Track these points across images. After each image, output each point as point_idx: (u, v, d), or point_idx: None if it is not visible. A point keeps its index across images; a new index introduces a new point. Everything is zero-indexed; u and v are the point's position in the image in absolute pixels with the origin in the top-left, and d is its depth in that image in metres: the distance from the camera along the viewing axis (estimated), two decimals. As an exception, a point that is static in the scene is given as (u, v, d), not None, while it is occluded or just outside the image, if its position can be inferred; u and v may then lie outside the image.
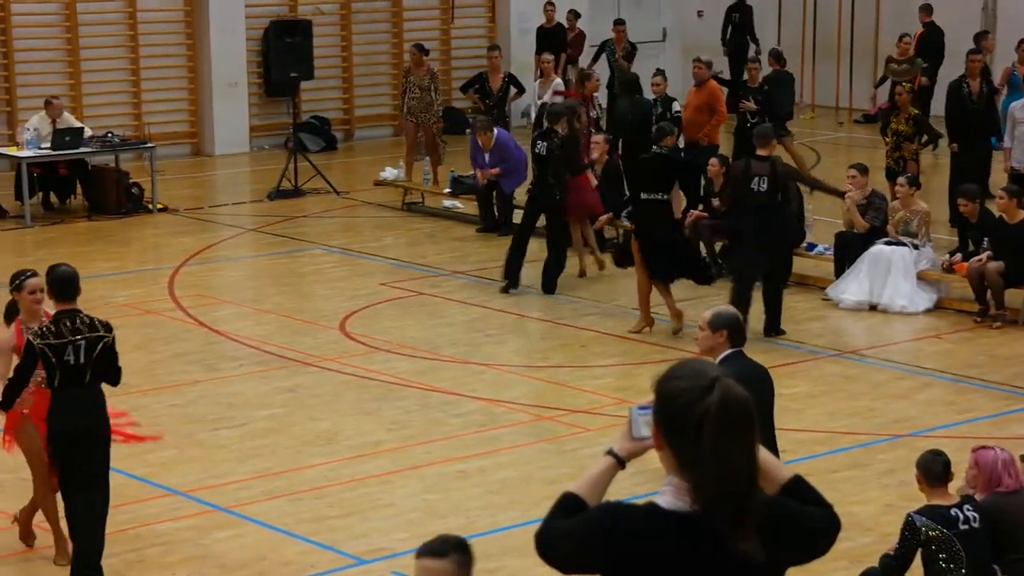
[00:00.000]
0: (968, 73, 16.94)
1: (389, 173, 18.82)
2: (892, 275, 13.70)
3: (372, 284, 14.78)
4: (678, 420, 3.47)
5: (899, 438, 10.56)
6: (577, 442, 10.50)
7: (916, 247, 13.89)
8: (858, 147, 21.91)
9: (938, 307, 13.78)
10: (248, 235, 17.24)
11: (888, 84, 19.77)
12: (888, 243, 13.91)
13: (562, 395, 11.57)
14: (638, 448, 3.65)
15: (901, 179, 14.49)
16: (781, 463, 3.74)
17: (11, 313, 8.57)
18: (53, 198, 18.32)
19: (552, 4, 22.68)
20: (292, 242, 16.71)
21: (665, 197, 12.86)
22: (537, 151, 14.57)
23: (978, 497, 7.31)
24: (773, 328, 12.88)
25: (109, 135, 18.18)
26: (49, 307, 8.18)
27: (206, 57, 21.48)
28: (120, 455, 9.73)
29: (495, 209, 16.98)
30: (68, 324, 7.87)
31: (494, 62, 19.45)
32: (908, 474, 7.86)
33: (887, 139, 16.75)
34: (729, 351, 7.66)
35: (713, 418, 3.42)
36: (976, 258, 13.37)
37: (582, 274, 14.91)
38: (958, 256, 13.89)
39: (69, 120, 18.23)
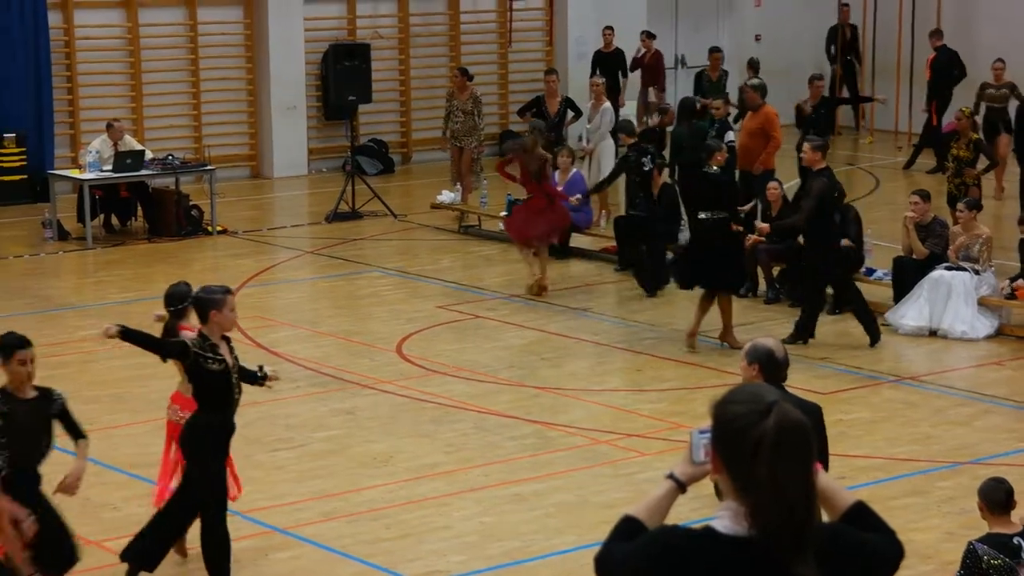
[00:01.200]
0: None
1: (446, 196, 18.88)
2: (952, 300, 13.59)
3: (429, 307, 14.82)
4: (734, 444, 3.45)
5: (960, 465, 10.45)
6: (633, 466, 10.47)
7: (977, 272, 13.77)
8: (918, 172, 21.76)
9: (999, 333, 13.65)
10: (306, 257, 17.34)
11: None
12: (948, 268, 13.80)
13: (618, 419, 11.54)
14: (698, 472, 3.63)
15: (961, 204, 14.39)
16: (844, 488, 3.71)
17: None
18: (114, 220, 18.51)
19: (611, 29, 22.69)
20: (349, 264, 16.79)
21: (723, 215, 13.06)
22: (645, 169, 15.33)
23: (1041, 526, 7.22)
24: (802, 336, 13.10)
25: (169, 158, 18.35)
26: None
27: (265, 80, 21.65)
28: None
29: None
30: (211, 343, 8.27)
31: (551, 86, 19.49)
32: (969, 502, 7.78)
33: (948, 164, 16.65)
34: None
35: (769, 442, 3.40)
36: (1037, 283, 13.25)
37: (544, 289, 15.04)
38: (1020, 281, 13.76)
39: (130, 143, 18.42)
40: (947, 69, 21.98)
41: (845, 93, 24.30)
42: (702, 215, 13.16)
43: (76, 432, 7.87)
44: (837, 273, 13.37)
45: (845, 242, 14.03)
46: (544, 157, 15.27)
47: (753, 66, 20.54)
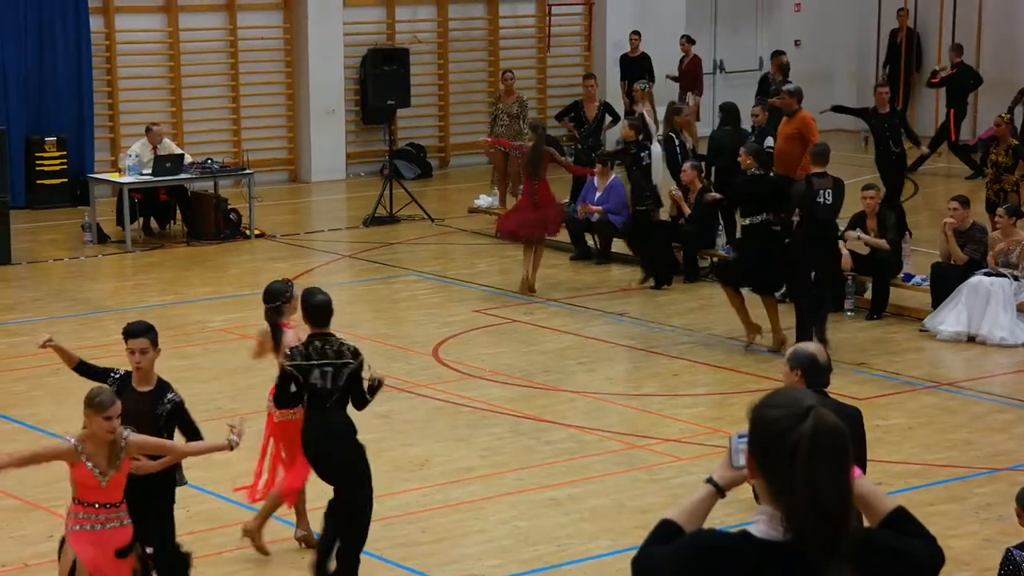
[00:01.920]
0: None
1: (483, 200, 18.91)
2: (991, 306, 13.51)
3: (466, 311, 14.84)
4: (771, 448, 3.45)
5: (998, 472, 10.39)
6: (669, 471, 10.45)
7: (1016, 278, 13.69)
8: (957, 178, 21.66)
9: (1039, 340, 13.57)
10: (343, 261, 17.39)
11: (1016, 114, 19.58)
12: (987, 274, 13.72)
13: (654, 423, 11.53)
14: (737, 477, 3.63)
15: (1000, 210, 14.31)
16: (884, 493, 3.70)
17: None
18: (153, 223, 18.62)
19: (638, 33, 22.67)
20: (387, 268, 16.84)
21: (767, 217, 13.12)
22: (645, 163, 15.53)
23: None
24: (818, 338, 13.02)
25: (208, 162, 18.45)
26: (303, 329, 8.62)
27: (304, 85, 21.74)
28: (214, 479, 9.87)
29: (594, 239, 17.05)
30: (317, 347, 8.25)
31: (590, 91, 19.50)
32: (1007, 508, 7.74)
33: (987, 170, 16.56)
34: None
35: (806, 447, 3.39)
36: (1078, 290, 13.16)
37: (531, 289, 15.30)
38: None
39: (169, 146, 18.53)
40: (964, 80, 22.11)
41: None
42: (746, 220, 13.24)
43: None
44: (822, 270, 13.35)
45: (845, 246, 14.01)
46: (547, 154, 15.40)
47: (783, 70, 20.41)
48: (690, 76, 22.58)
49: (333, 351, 8.26)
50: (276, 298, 9.05)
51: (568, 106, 19.88)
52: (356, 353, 8.35)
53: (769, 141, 16.70)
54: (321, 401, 8.28)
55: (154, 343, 7.78)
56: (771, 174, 14.28)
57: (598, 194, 16.86)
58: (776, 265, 13.27)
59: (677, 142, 16.92)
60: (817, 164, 13.42)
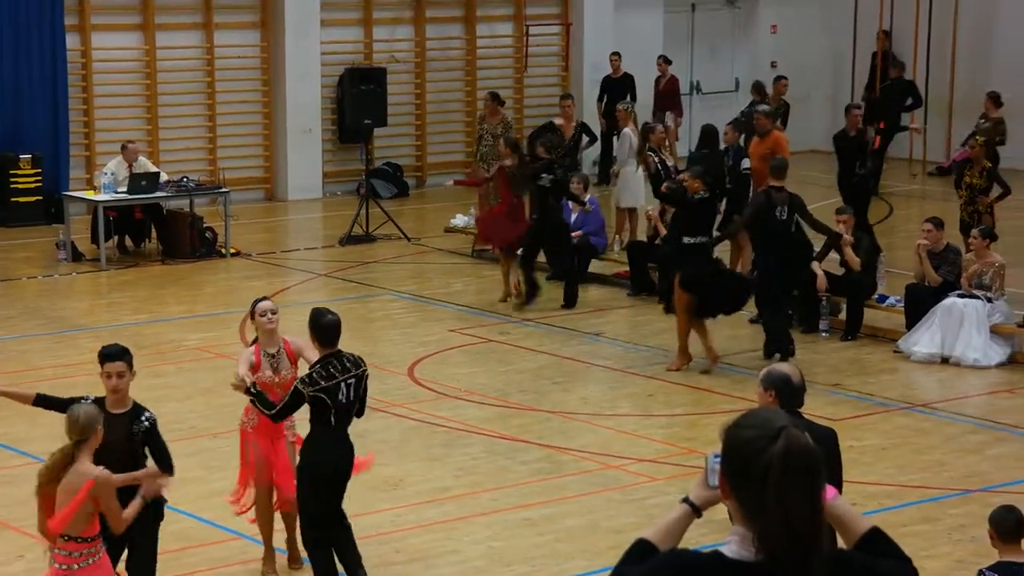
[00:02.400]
0: None
1: (460, 220, 18.91)
2: (965, 328, 13.57)
3: (441, 330, 14.83)
4: (743, 469, 3.45)
5: (971, 493, 10.42)
6: (644, 491, 10.45)
7: (990, 300, 13.75)
8: (931, 200, 21.76)
9: (1012, 361, 13.63)
10: (319, 280, 17.37)
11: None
12: (961, 296, 13.78)
13: (629, 443, 11.53)
14: (713, 497, 3.63)
15: (975, 231, 14.37)
16: (859, 514, 3.70)
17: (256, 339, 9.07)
18: (128, 241, 18.57)
19: (618, 55, 22.76)
20: (363, 287, 16.82)
21: (704, 240, 13.25)
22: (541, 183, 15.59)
23: (1052, 555, 7.20)
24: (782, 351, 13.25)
25: (184, 180, 18.42)
26: (292, 341, 8.79)
27: (281, 103, 21.73)
28: (188, 498, 9.83)
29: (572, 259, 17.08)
30: (337, 365, 8.31)
31: (567, 111, 19.54)
32: (980, 530, 7.77)
33: (961, 192, 16.64)
34: None
35: (777, 468, 3.39)
36: (1051, 312, 13.23)
37: (505, 299, 15.72)
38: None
39: (145, 164, 18.49)
40: (900, 96, 22.41)
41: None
42: (686, 239, 13.26)
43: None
44: (785, 282, 13.54)
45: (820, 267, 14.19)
46: (519, 163, 15.74)
47: (758, 90, 20.59)
48: (668, 96, 22.65)
49: (351, 363, 8.40)
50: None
51: (541, 126, 19.87)
52: (362, 361, 8.53)
53: (746, 163, 16.78)
54: (347, 416, 8.41)
55: (130, 366, 7.74)
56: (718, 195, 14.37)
57: (574, 215, 16.88)
58: (717, 291, 13.31)
59: (656, 159, 16.94)
60: (775, 178, 13.57)
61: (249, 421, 8.94)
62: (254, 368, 8.78)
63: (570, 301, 15.67)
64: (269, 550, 9.02)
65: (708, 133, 17.39)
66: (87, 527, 6.98)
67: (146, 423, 7.66)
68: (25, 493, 8.33)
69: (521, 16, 23.75)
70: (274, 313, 8.94)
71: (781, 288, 13.57)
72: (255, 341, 9.05)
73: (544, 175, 15.66)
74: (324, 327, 8.44)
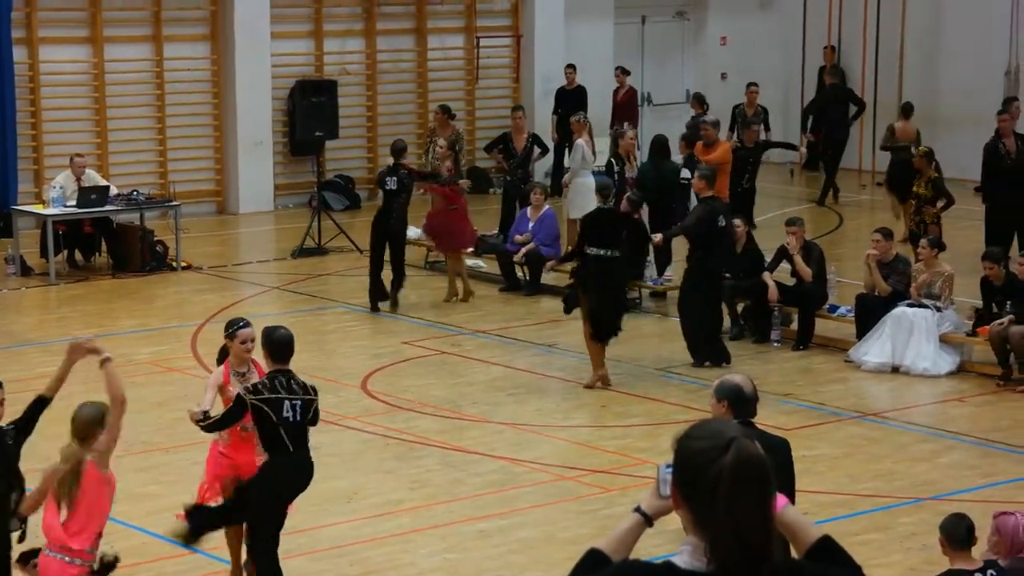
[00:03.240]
0: (1002, 132, 17.15)
1: (412, 232, 18.86)
2: (915, 337, 13.67)
3: (394, 343, 14.81)
4: (694, 479, 3.46)
5: (922, 501, 10.50)
6: (598, 502, 10.47)
7: (939, 309, 13.86)
8: (881, 210, 21.91)
9: (961, 370, 13.74)
10: (271, 293, 17.31)
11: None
12: (911, 305, 13.88)
13: (583, 455, 11.55)
14: (664, 506, 3.64)
15: (923, 241, 14.49)
16: (810, 523, 3.72)
17: (224, 356, 8.97)
18: (78, 255, 18.44)
19: (573, 67, 22.84)
20: (315, 300, 16.77)
21: (612, 254, 13.06)
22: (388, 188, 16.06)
23: (1002, 563, 7.26)
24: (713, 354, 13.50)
25: (134, 193, 18.31)
26: (263, 363, 8.59)
27: (232, 116, 21.65)
28: (141, 513, 9.77)
29: (523, 270, 17.09)
30: (283, 382, 8.26)
31: (518, 123, 19.57)
32: (931, 538, 7.82)
33: (910, 201, 16.79)
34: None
35: (728, 478, 3.41)
36: (998, 321, 13.33)
37: (449, 299, 16.26)
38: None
39: (94, 177, 18.37)
40: (840, 104, 22.67)
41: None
42: (592, 251, 13.12)
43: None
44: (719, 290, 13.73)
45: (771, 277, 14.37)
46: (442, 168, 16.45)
47: (700, 101, 20.92)
48: (625, 108, 22.72)
49: (300, 387, 8.35)
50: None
51: (497, 138, 19.95)
52: (315, 391, 8.48)
53: (685, 172, 16.81)
54: (300, 436, 8.36)
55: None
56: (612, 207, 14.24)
57: (531, 223, 16.92)
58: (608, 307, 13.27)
59: (616, 169, 16.99)
60: (708, 187, 13.71)
61: (220, 438, 8.89)
62: (223, 386, 8.68)
63: (395, 302, 16.11)
64: (236, 568, 8.96)
65: (655, 143, 17.48)
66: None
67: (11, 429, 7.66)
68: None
69: (472, 28, 23.78)
70: (253, 341, 8.80)
71: (706, 295, 13.65)
72: (223, 358, 8.93)
73: (389, 179, 16.03)
74: (276, 342, 8.41)
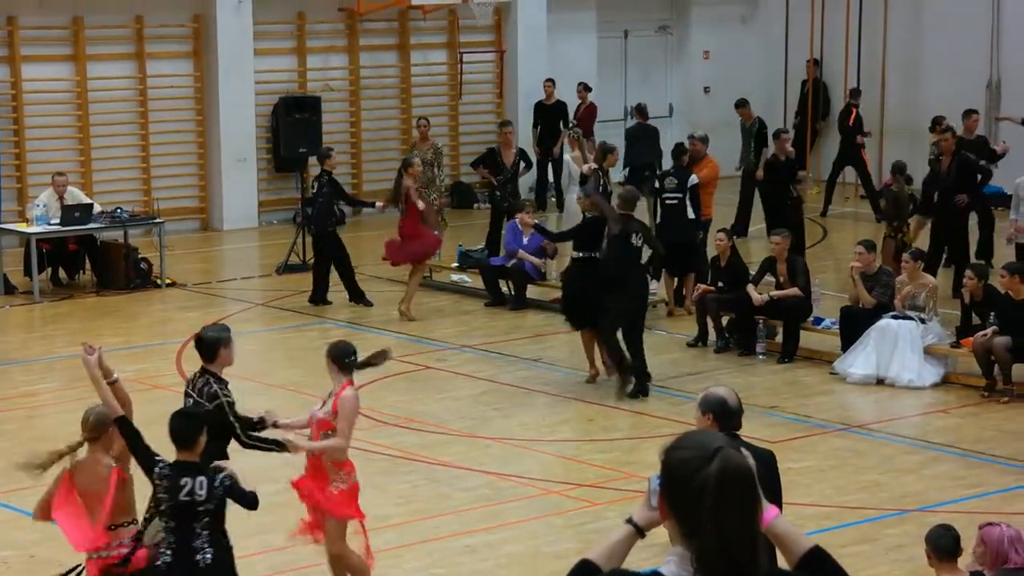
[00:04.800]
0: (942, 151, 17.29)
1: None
2: (899, 349, 13.70)
3: (380, 358, 14.76)
4: (680, 490, 3.47)
5: (907, 513, 10.51)
6: (584, 516, 10.46)
7: (923, 321, 13.89)
8: (865, 222, 21.97)
9: (945, 381, 13.77)
10: (256, 309, 17.29)
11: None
12: (895, 317, 13.92)
13: (569, 469, 11.54)
14: (655, 517, 3.65)
15: (906, 254, 14.55)
16: (801, 533, 3.73)
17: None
18: (62, 273, 18.40)
19: (552, 81, 22.89)
20: (300, 316, 16.75)
21: (594, 255, 13.66)
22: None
23: (988, 574, 7.27)
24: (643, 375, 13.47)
25: (118, 211, 18.29)
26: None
27: (215, 133, 21.64)
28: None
29: (508, 285, 17.09)
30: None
31: (507, 137, 19.59)
32: (917, 549, 7.83)
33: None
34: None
35: (713, 488, 3.41)
36: (981, 333, 13.37)
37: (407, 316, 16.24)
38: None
39: (77, 195, 18.35)
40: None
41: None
42: (578, 254, 13.81)
43: None
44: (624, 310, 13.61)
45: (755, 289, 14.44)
46: (406, 190, 16.35)
47: (641, 112, 21.27)
48: (586, 122, 22.77)
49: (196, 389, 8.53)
50: (348, 355, 8.99)
51: (484, 153, 19.97)
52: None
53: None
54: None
55: None
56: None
57: (526, 238, 16.95)
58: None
59: (601, 181, 17.01)
60: (625, 208, 13.77)
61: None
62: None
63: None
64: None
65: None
66: (124, 513, 7.77)
67: None
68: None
69: (455, 43, 23.81)
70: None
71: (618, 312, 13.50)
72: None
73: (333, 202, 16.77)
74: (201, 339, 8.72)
